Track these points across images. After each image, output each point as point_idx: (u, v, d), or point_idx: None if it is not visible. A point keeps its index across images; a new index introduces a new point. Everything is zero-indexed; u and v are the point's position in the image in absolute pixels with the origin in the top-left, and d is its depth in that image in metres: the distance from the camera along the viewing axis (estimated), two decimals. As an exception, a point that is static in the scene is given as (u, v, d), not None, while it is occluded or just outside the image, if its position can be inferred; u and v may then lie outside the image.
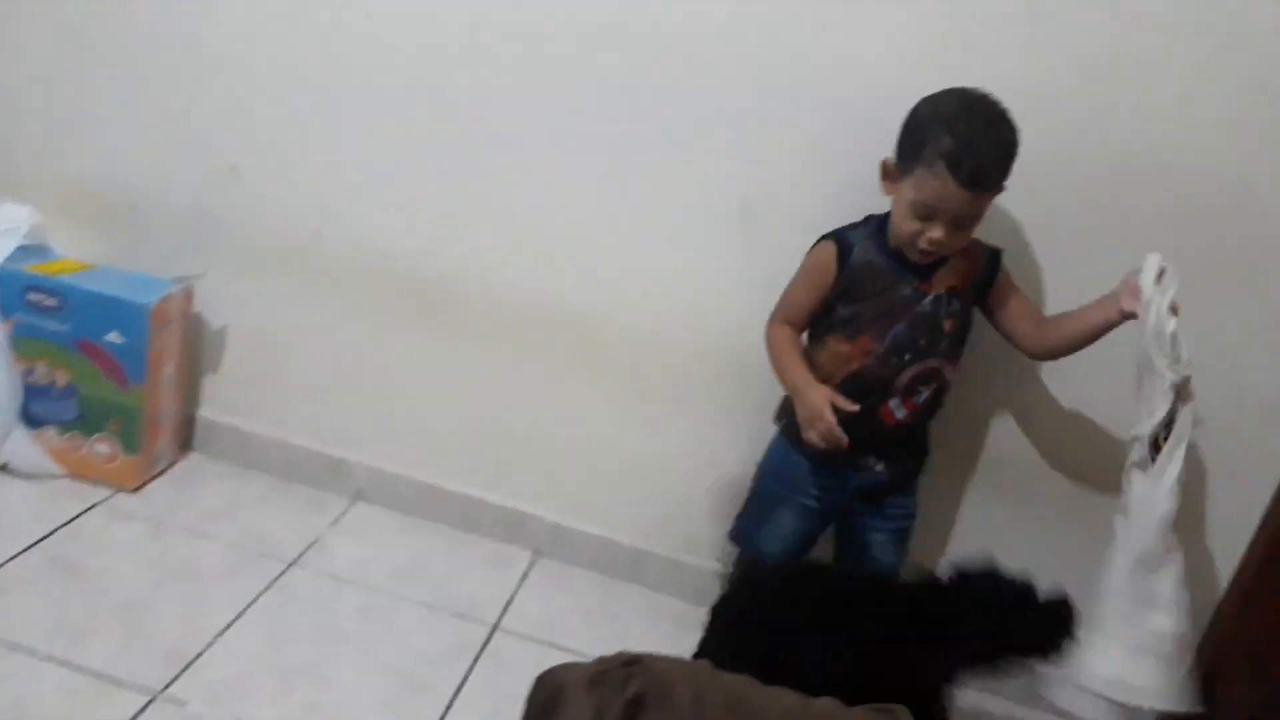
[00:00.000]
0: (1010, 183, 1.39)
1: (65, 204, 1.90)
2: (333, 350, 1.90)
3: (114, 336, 1.76)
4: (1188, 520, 1.54)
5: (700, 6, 1.56)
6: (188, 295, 1.86)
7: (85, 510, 1.75)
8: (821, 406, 1.41)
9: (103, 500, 1.79)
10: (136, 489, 1.84)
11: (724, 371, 1.71)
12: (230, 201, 1.84)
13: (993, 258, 1.48)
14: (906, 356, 1.45)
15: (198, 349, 1.94)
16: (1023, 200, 1.51)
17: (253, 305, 1.90)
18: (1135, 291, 1.29)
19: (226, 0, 1.74)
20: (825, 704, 0.88)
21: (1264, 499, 1.60)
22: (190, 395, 1.96)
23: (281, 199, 1.83)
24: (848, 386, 1.46)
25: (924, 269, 1.43)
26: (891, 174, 1.40)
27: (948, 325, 1.46)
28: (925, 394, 1.49)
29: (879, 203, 1.47)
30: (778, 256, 1.54)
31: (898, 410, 1.49)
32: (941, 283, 1.44)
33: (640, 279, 1.72)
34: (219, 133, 1.82)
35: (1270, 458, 1.59)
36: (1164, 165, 1.49)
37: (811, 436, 1.43)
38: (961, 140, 1.31)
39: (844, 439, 1.41)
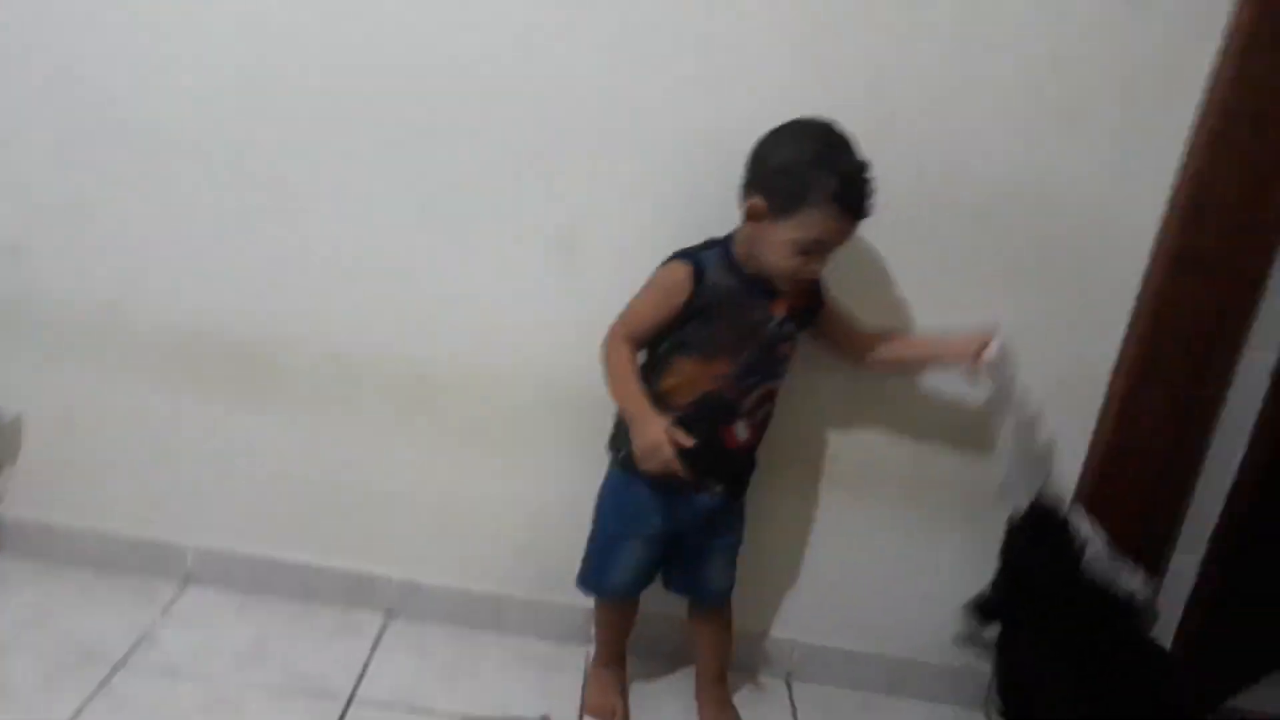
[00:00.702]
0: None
1: None
2: (143, 428, 1.77)
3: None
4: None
5: (488, 48, 1.54)
6: (-30, 388, 1.70)
7: None
8: (660, 440, 1.42)
9: (-108, 625, 1.62)
10: (-66, 604, 1.67)
11: (560, 404, 1.69)
12: (12, 284, 1.70)
13: (814, 283, 1.52)
14: (754, 379, 1.49)
15: (-9, 444, 1.78)
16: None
17: (47, 390, 1.76)
18: (979, 355, 1.51)
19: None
20: None
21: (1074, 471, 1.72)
22: (-13, 495, 1.80)
23: (71, 274, 1.69)
24: (697, 408, 1.48)
25: (771, 292, 1.46)
26: (762, 214, 1.40)
27: (786, 348, 1.51)
28: (762, 414, 1.53)
29: (697, 228, 1.51)
30: (603, 285, 1.53)
31: (741, 432, 1.51)
32: (783, 305, 1.48)
33: (467, 321, 1.68)
34: (-10, 213, 1.67)
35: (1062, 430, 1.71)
36: (958, 170, 1.57)
37: (649, 467, 1.44)
38: (847, 178, 1.36)
39: (680, 470, 1.42)
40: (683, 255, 1.47)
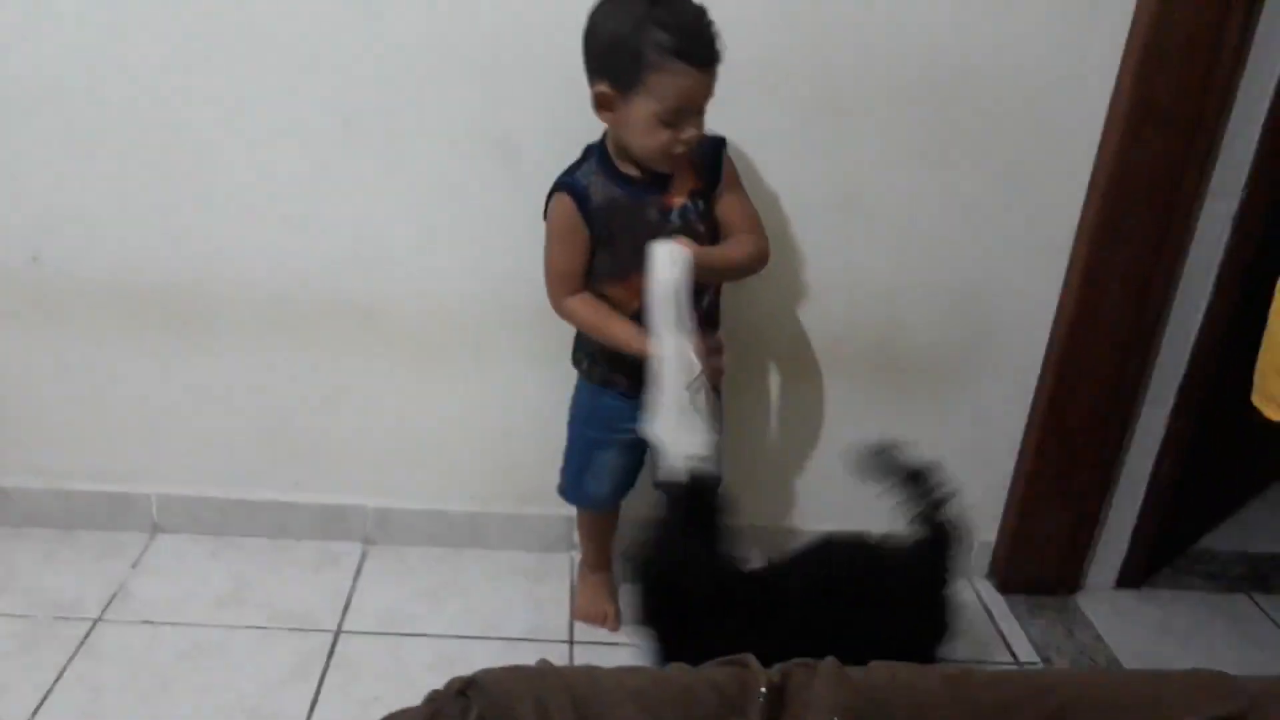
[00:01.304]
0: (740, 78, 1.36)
1: None
2: (82, 380, 1.70)
3: None
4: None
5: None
6: (-106, 355, 1.62)
7: None
8: (635, 336, 1.38)
9: None
10: (-110, 583, 1.62)
11: (515, 317, 1.64)
12: (-80, 240, 1.60)
13: (714, 146, 1.41)
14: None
15: (-74, 413, 1.70)
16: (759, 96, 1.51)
17: (-23, 351, 1.68)
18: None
19: None
20: (674, 670, 0.86)
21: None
22: (-70, 465, 1.73)
23: (-20, 228, 1.59)
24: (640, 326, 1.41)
25: (661, 185, 1.38)
26: (611, 101, 1.30)
27: (703, 229, 1.42)
28: (707, 299, 1.46)
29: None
30: (544, 192, 1.47)
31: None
32: (681, 190, 1.39)
33: (408, 242, 1.61)
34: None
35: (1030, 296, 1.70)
36: (903, 43, 1.51)
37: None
38: (679, 28, 1.24)
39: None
40: (561, 185, 1.39)
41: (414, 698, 0.83)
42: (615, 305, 1.43)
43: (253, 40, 1.49)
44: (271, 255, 1.62)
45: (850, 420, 1.77)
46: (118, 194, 1.58)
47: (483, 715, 0.75)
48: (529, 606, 1.69)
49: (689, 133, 1.30)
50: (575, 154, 1.44)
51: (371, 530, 1.81)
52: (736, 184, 1.45)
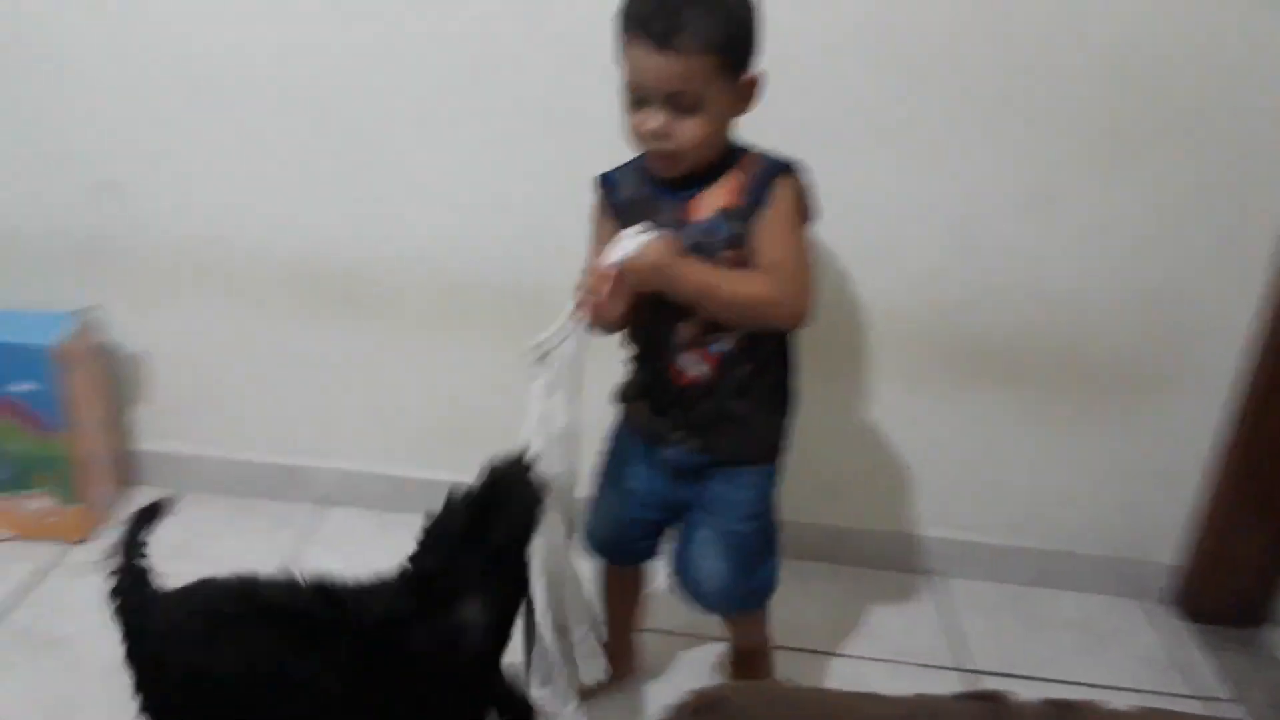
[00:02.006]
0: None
1: (-66, 246, 1.71)
2: (263, 357, 1.77)
3: (23, 385, 1.61)
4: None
5: None
6: (92, 328, 1.70)
7: (37, 574, 1.63)
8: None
9: (54, 559, 1.66)
10: (86, 539, 1.71)
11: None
12: (116, 220, 1.68)
13: (771, 168, 1.18)
14: (672, 311, 1.18)
15: (118, 381, 1.79)
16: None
17: (166, 326, 1.76)
18: None
19: (77, 7, 1.56)
20: (920, 699, 0.83)
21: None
22: (123, 431, 1.82)
23: (173, 209, 1.67)
24: (639, 347, 1.27)
25: (686, 189, 1.18)
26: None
27: (726, 254, 1.16)
28: (728, 344, 1.20)
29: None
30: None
31: (692, 367, 1.22)
32: (710, 205, 1.17)
33: (575, 223, 1.62)
34: (92, 147, 1.64)
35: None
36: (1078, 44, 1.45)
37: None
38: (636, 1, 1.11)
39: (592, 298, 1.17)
40: (600, 174, 1.27)
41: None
42: (633, 319, 1.22)
43: (435, 33, 1.52)
44: (450, 240, 1.65)
45: (1026, 428, 1.70)
46: (305, 178, 1.63)
47: None
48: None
49: (652, 122, 1.11)
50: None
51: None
52: (785, 220, 1.17)
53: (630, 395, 1.31)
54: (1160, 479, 1.71)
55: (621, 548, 1.39)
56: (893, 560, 1.81)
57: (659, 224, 1.16)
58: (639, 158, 1.22)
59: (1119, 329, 1.62)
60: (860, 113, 1.52)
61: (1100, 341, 1.63)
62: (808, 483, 1.76)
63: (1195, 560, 1.73)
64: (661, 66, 1.09)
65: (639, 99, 1.13)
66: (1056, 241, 1.57)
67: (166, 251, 1.69)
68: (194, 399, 1.81)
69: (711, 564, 1.28)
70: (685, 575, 1.31)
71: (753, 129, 1.21)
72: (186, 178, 1.65)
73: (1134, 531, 1.76)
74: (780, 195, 1.16)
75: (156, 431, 1.84)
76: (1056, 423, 1.69)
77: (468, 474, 1.78)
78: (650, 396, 1.27)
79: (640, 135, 1.14)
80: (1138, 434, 1.69)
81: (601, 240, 1.21)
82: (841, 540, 1.80)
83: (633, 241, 1.13)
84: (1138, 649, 1.69)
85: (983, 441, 1.72)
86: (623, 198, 1.23)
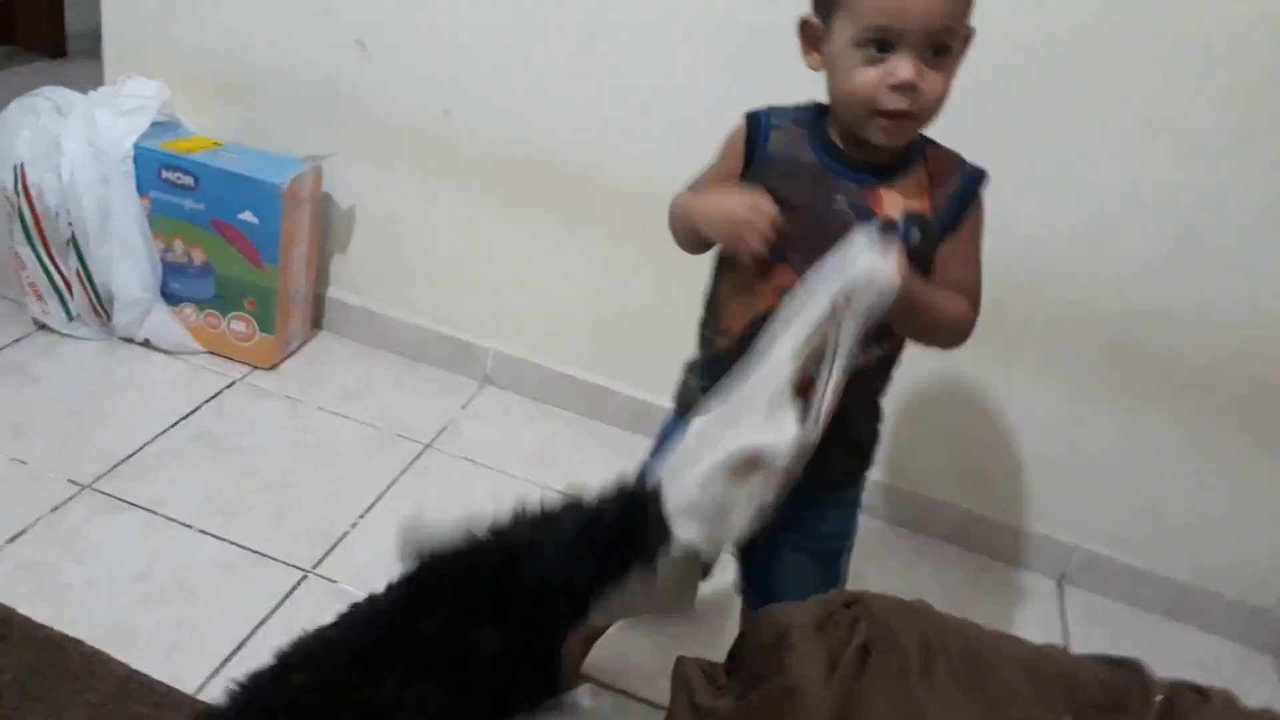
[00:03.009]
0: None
1: (192, 80, 1.87)
2: (459, 233, 1.87)
3: (248, 216, 1.75)
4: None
5: None
6: (317, 175, 1.84)
7: (226, 387, 1.79)
8: (737, 205, 0.98)
9: (241, 378, 1.83)
10: (272, 367, 1.86)
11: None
12: (357, 78, 1.79)
13: (972, 177, 1.01)
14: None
15: (327, 229, 1.93)
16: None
17: (380, 186, 1.87)
18: None
19: None
20: (1052, 650, 0.84)
21: None
22: (321, 275, 1.96)
23: (410, 77, 1.77)
24: (750, 337, 1.00)
25: (866, 172, 0.99)
26: (816, 32, 0.98)
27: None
28: (864, 359, 1.00)
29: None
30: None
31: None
32: (895, 201, 0.98)
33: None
34: (344, 4, 1.75)
35: None
36: None
37: (737, 246, 0.98)
38: None
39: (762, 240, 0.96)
40: (749, 112, 1.07)
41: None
42: (737, 297, 1.06)
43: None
44: (650, 159, 1.68)
45: (1197, 454, 1.63)
46: (529, 67, 1.70)
47: (867, 637, 0.76)
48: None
49: (904, 71, 0.91)
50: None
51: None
52: (976, 239, 1.03)
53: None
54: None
55: None
56: (1027, 559, 1.78)
57: (832, 206, 0.99)
58: (810, 111, 1.04)
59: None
60: (1113, 90, 1.46)
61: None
62: (961, 465, 1.76)
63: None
64: (929, 4, 0.90)
65: (882, 43, 0.92)
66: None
67: (396, 117, 1.80)
68: (391, 260, 1.94)
69: (806, 583, 1.09)
70: (764, 593, 1.14)
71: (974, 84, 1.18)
72: (426, 50, 1.74)
73: (1283, 585, 1.68)
74: (977, 213, 1.02)
75: (351, 283, 1.98)
76: (1229, 455, 1.61)
77: (617, 381, 1.86)
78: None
79: (877, 95, 0.93)
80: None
81: (718, 177, 1.07)
82: (981, 528, 1.78)
83: (874, 260, 0.89)
84: (1250, 701, 1.61)
85: (1147, 458, 1.66)
86: (774, 151, 1.03)
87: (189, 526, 1.47)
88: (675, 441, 1.03)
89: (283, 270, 1.80)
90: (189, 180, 1.75)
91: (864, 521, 1.40)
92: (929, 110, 0.95)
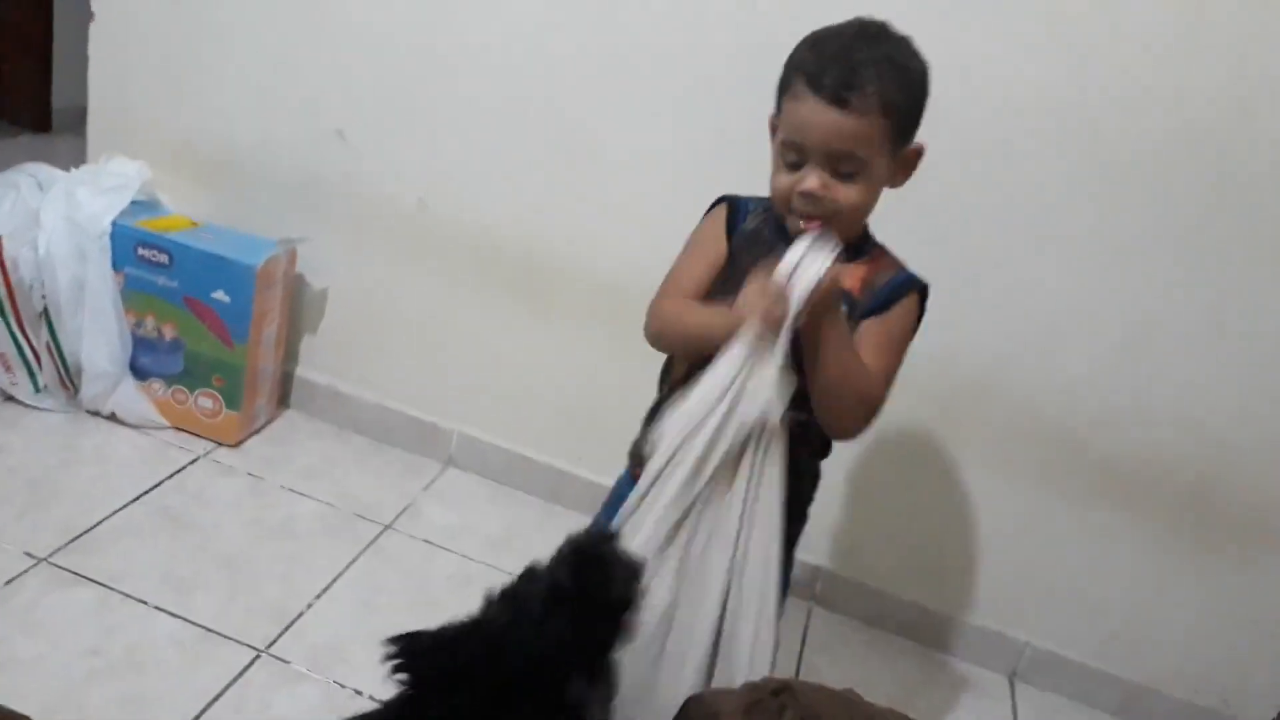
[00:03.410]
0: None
1: (174, 161, 1.92)
2: (430, 318, 1.91)
3: (220, 295, 1.79)
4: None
5: None
6: (291, 257, 1.88)
7: (189, 463, 1.80)
8: (754, 292, 1.03)
9: (205, 454, 1.83)
10: (236, 444, 1.87)
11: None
12: (336, 166, 1.85)
13: (904, 282, 1.11)
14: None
15: (298, 309, 1.96)
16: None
17: (354, 269, 1.92)
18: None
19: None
20: None
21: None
22: (289, 354, 1.99)
23: (387, 166, 1.83)
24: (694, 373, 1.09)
25: None
26: (773, 128, 1.12)
27: None
28: (788, 420, 1.05)
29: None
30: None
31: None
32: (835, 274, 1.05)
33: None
34: (327, 96, 1.82)
35: None
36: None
37: (765, 318, 1.01)
38: (826, 52, 1.04)
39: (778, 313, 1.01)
40: (726, 196, 1.20)
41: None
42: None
43: (639, 52, 1.64)
44: (619, 252, 1.75)
45: (1143, 555, 1.68)
46: (503, 159, 1.77)
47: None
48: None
49: (809, 182, 1.04)
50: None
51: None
52: (896, 337, 1.11)
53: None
54: (1270, 637, 1.65)
55: None
56: (979, 654, 1.81)
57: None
58: (766, 199, 1.14)
59: (1264, 476, 1.59)
60: (1048, 206, 1.55)
61: (1241, 484, 1.60)
62: (915, 560, 1.79)
63: (1286, 729, 1.66)
64: (832, 124, 1.02)
65: (797, 157, 1.05)
66: (1220, 373, 1.56)
67: (372, 204, 1.86)
68: (360, 341, 1.97)
69: None
70: None
71: (925, 198, 1.26)
72: (404, 141, 1.81)
73: (1229, 684, 1.70)
74: (904, 311, 1.11)
75: (320, 363, 2.01)
76: (1174, 556, 1.66)
77: (580, 467, 1.88)
78: None
79: (791, 197, 1.06)
80: (1256, 587, 1.64)
81: (703, 263, 1.16)
82: (933, 622, 1.81)
83: (823, 256, 1.00)
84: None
85: (1097, 557, 1.70)
86: (748, 230, 1.16)
87: (143, 602, 1.47)
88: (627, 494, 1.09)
89: (252, 349, 1.83)
90: (164, 258, 1.79)
91: (817, 613, 1.43)
92: (841, 215, 1.05)
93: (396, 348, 1.95)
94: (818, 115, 1.03)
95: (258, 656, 1.42)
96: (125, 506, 1.65)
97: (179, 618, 1.46)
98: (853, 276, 1.09)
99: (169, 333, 1.84)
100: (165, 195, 1.91)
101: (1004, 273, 1.57)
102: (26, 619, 1.39)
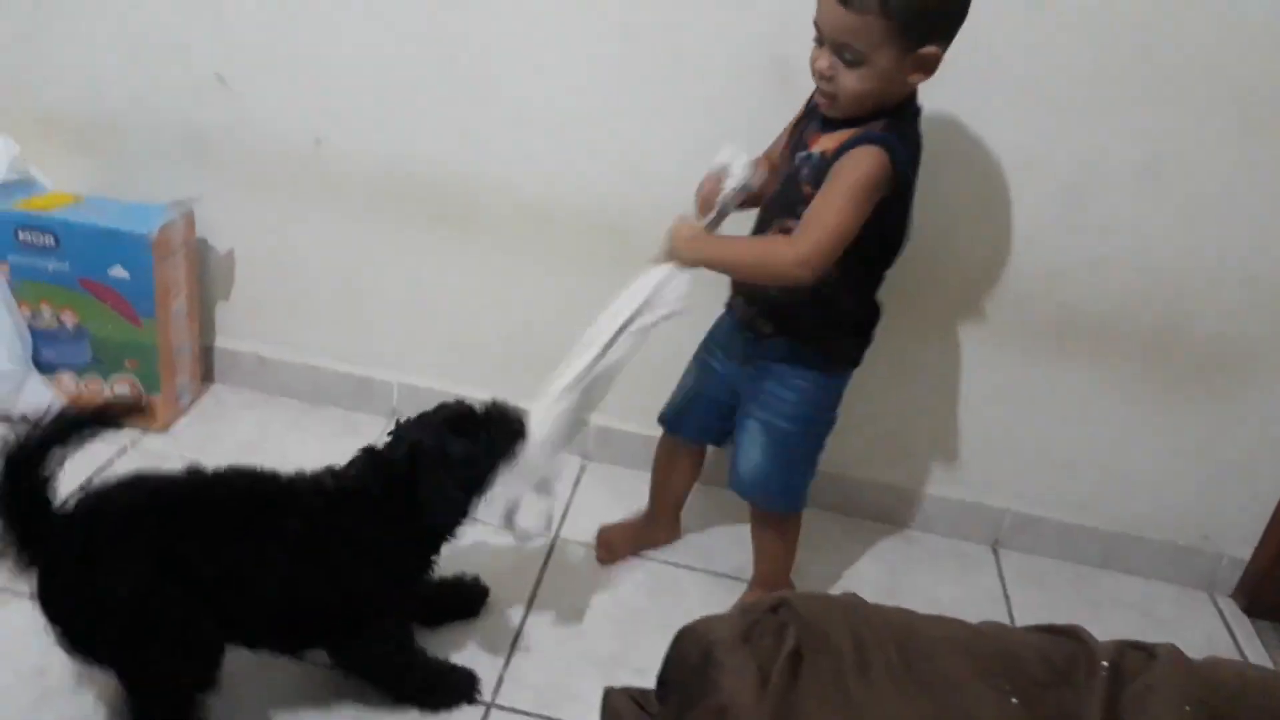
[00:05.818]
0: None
1: (43, 132, 1.77)
2: (346, 266, 1.80)
3: (118, 271, 1.66)
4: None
5: None
6: (188, 221, 1.75)
7: (117, 455, 1.69)
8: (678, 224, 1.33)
9: (132, 444, 1.72)
10: (164, 428, 1.77)
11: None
12: (220, 115, 1.71)
13: (858, 140, 1.21)
14: (772, 210, 1.33)
15: (206, 277, 1.84)
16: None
17: (258, 225, 1.79)
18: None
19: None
20: (991, 627, 0.82)
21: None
22: (205, 326, 1.87)
23: (276, 108, 1.69)
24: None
25: (827, 122, 1.27)
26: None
27: (806, 190, 1.26)
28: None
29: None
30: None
31: None
32: (823, 143, 1.26)
33: (672, 166, 1.58)
34: (199, 40, 1.67)
35: None
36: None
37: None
38: None
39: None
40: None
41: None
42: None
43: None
44: (537, 167, 1.64)
45: (1110, 405, 1.66)
46: (401, 87, 1.64)
47: (799, 636, 0.72)
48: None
49: (818, 62, 1.21)
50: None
51: (592, 448, 1.84)
52: (845, 185, 1.21)
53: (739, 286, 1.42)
54: (1241, 470, 1.65)
55: (689, 421, 1.52)
56: (957, 528, 1.79)
57: (799, 143, 1.30)
58: None
59: (1218, 312, 1.56)
60: (989, 58, 1.46)
61: (1197, 323, 1.57)
62: (883, 445, 1.75)
63: (1262, 554, 1.67)
64: (836, 16, 1.16)
65: (817, 37, 1.21)
66: (1164, 216, 1.52)
67: (266, 151, 1.72)
68: (277, 302, 1.86)
69: (750, 451, 1.40)
70: (732, 460, 1.43)
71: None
72: (290, 79, 1.67)
73: (1207, 521, 1.71)
74: (853, 162, 1.20)
75: (239, 330, 1.89)
76: (1141, 402, 1.64)
77: (530, 399, 1.80)
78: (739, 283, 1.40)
79: (811, 70, 1.23)
80: (1223, 422, 1.63)
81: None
82: (908, 502, 1.78)
83: (737, 159, 1.30)
84: (1194, 639, 1.64)
85: (1064, 415, 1.67)
86: (810, 105, 1.33)
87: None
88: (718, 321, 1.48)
89: (162, 325, 1.70)
90: (49, 240, 1.64)
91: (790, 514, 1.37)
92: (841, 97, 1.21)
93: (316, 303, 1.84)
94: (826, 6, 1.18)
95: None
96: (52, 511, 1.54)
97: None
98: (835, 140, 1.24)
99: (69, 320, 1.71)
100: (39, 171, 1.75)
101: (942, 137, 1.50)
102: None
